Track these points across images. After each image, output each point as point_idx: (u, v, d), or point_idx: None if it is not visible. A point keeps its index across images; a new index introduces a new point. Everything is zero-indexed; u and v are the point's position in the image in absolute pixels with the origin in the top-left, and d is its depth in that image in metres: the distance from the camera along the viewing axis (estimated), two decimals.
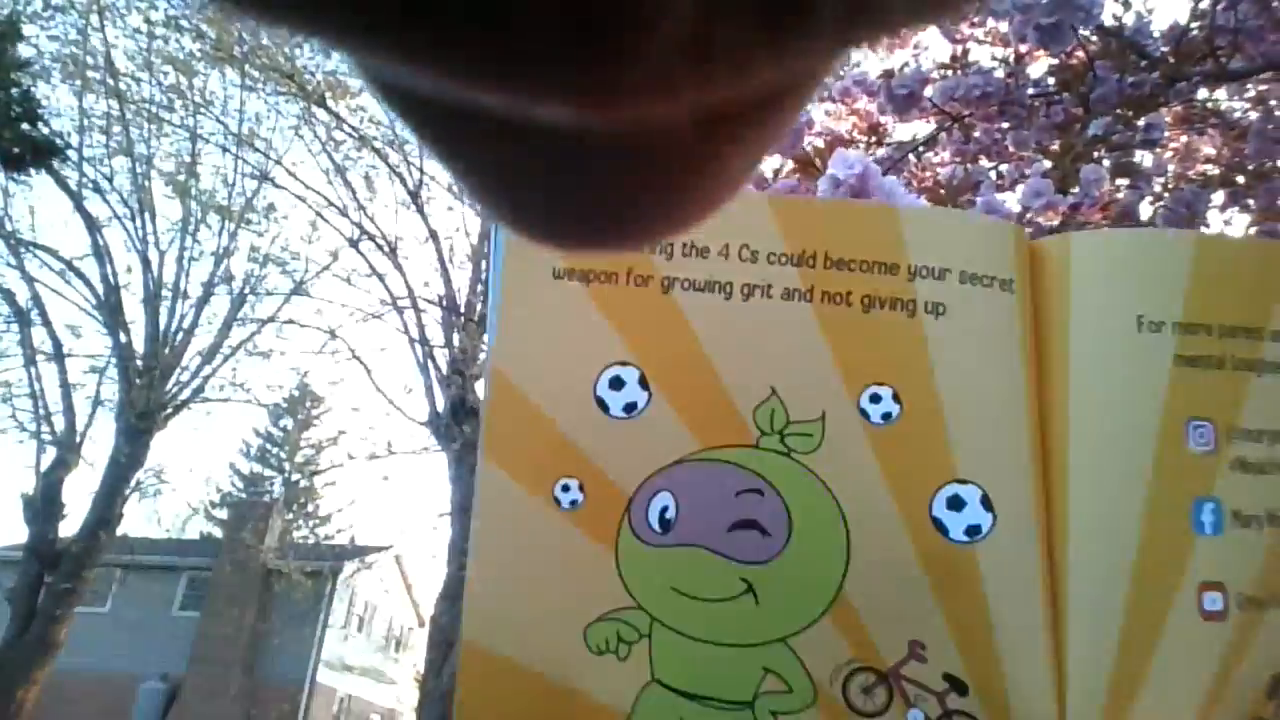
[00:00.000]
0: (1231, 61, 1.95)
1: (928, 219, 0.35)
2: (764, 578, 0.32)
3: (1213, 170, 2.45)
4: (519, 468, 0.35)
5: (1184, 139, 2.51)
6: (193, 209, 10.91)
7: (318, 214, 9.37)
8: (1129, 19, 1.93)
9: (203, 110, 10.73)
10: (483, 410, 0.36)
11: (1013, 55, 2.15)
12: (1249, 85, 2.30)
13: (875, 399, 0.32)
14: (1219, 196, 2.31)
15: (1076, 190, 1.62)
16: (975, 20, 2.27)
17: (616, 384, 0.34)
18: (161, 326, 11.03)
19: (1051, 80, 2.04)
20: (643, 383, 0.34)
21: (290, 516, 16.93)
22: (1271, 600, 0.33)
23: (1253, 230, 2.32)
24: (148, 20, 9.85)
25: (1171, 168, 2.51)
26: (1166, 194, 2.27)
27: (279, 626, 13.74)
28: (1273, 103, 2.33)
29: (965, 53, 2.04)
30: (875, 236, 0.34)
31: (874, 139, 2.51)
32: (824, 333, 0.33)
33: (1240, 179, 2.26)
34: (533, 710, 0.34)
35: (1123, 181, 2.05)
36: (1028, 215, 1.56)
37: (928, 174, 2.44)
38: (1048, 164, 1.77)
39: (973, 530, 0.32)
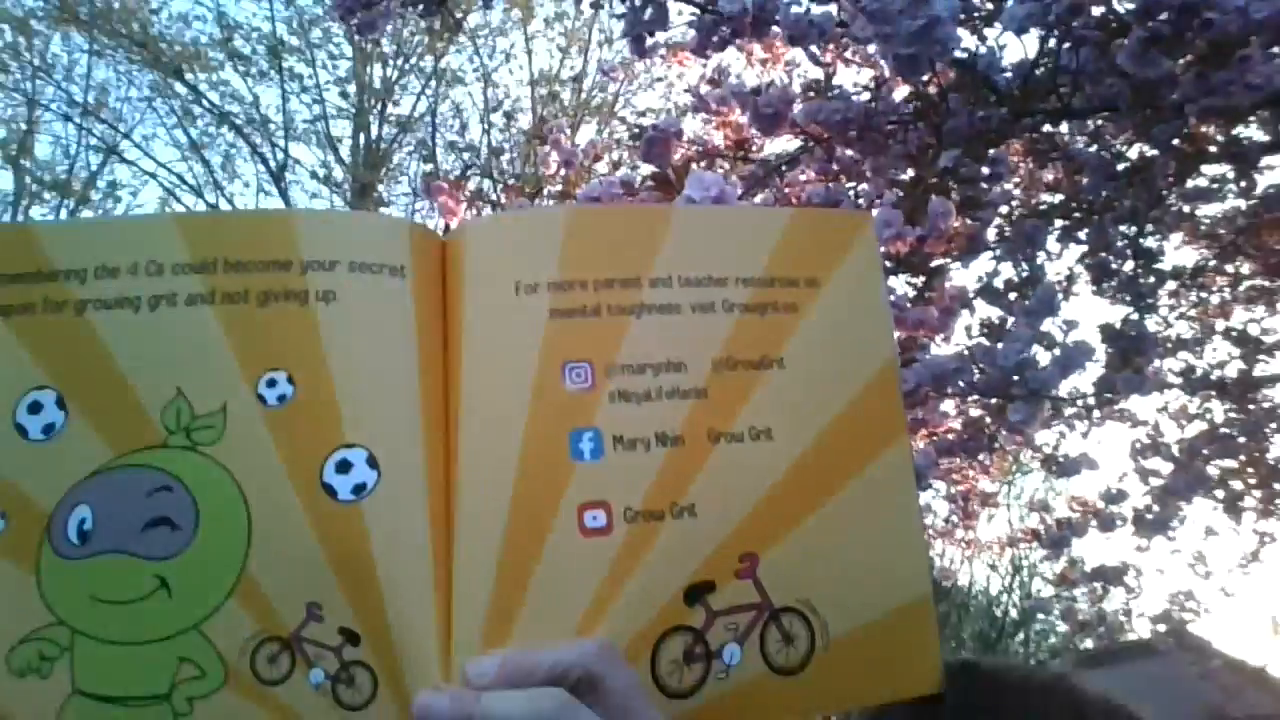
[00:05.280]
0: (1073, 100, 2.05)
1: (322, 219, 0.41)
2: (176, 570, 0.36)
3: (1054, 199, 2.57)
4: None
5: (1027, 169, 2.64)
6: (26, 182, 9.99)
7: (169, 192, 8.80)
8: (983, 50, 1.99)
9: (42, 74, 9.83)
10: None
11: (875, 81, 2.19)
12: (1088, 122, 2.43)
13: (271, 383, 0.38)
14: (1056, 229, 2.43)
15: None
16: (844, 42, 2.30)
17: (35, 408, 0.38)
18: None
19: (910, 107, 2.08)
20: (60, 403, 0.38)
21: None
22: (668, 512, 0.38)
23: (1085, 262, 2.46)
24: None
25: (1016, 194, 2.63)
26: (1009, 225, 2.38)
27: None
28: (1108, 137, 2.48)
29: (830, 76, 2.07)
30: (271, 239, 0.40)
31: (741, 154, 2.51)
32: (224, 330, 0.39)
33: (1076, 214, 2.39)
34: None
35: (969, 213, 2.12)
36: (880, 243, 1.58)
37: (792, 191, 2.46)
38: (898, 194, 1.80)
39: (359, 488, 0.36)
